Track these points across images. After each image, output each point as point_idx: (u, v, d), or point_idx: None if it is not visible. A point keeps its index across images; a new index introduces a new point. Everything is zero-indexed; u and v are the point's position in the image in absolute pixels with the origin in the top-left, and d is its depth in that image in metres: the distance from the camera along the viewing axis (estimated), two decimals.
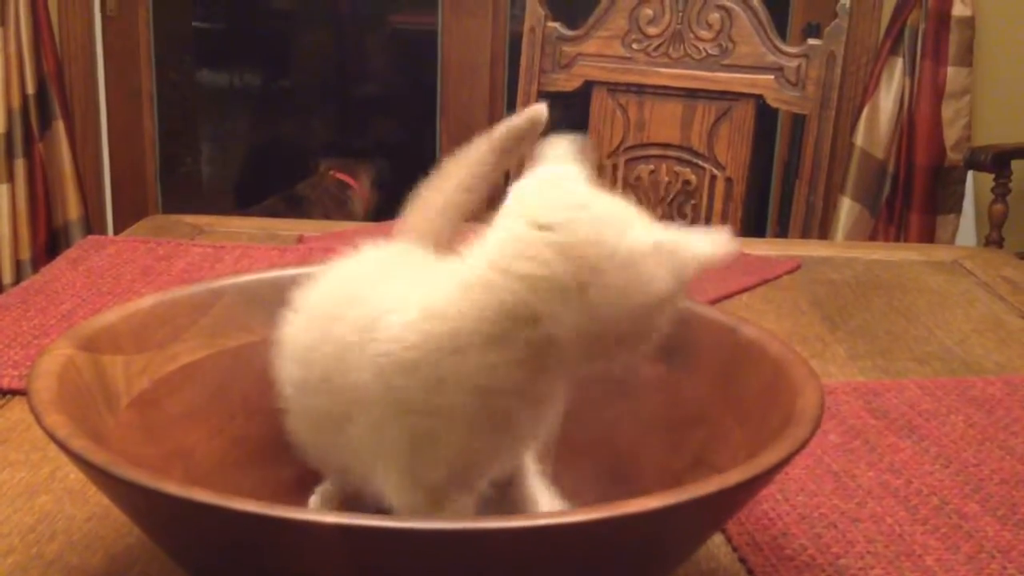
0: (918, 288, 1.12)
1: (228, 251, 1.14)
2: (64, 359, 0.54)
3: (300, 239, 1.22)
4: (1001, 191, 2.35)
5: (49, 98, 2.47)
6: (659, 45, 1.71)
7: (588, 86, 1.75)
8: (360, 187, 2.86)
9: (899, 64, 2.41)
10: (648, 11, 1.71)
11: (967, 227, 2.52)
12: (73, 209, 2.52)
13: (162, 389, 0.60)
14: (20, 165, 2.45)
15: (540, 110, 0.62)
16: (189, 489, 0.42)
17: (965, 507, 0.66)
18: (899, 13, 2.40)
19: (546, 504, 0.58)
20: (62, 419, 0.48)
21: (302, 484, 0.60)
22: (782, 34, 1.69)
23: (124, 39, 2.66)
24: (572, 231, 0.47)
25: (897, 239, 2.44)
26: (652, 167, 1.73)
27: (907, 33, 2.39)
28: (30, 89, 2.44)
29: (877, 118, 2.43)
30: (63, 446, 0.46)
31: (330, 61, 3.56)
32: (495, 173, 0.64)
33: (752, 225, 2.57)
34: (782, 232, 2.29)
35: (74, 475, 0.66)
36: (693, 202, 1.72)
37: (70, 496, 0.64)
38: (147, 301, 0.62)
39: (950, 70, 2.38)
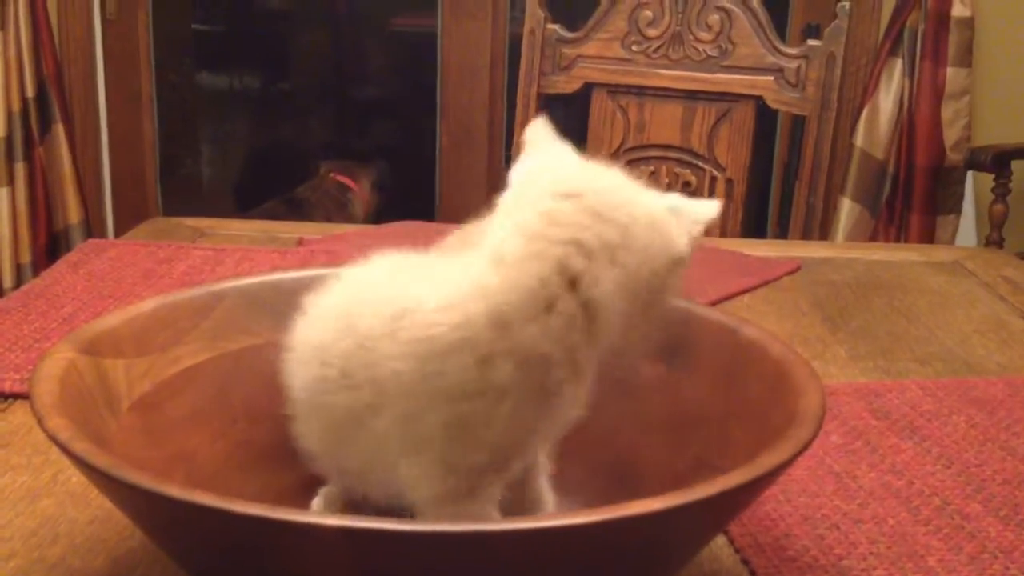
0: (919, 289, 1.12)
1: (229, 254, 1.14)
2: (66, 363, 0.54)
3: (300, 241, 1.22)
4: (1001, 191, 2.35)
5: (49, 101, 2.47)
6: (659, 47, 1.71)
7: (588, 88, 1.75)
8: (360, 189, 2.86)
9: (899, 65, 2.41)
10: (648, 13, 1.71)
11: (967, 228, 2.52)
12: (73, 212, 2.52)
13: (164, 392, 0.60)
14: (20, 168, 2.45)
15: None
16: (192, 492, 0.42)
17: (967, 508, 0.66)
18: (898, 14, 2.40)
19: (551, 505, 0.58)
20: (64, 423, 0.48)
21: (304, 488, 0.60)
22: (781, 35, 1.69)
23: (124, 42, 2.66)
24: (597, 197, 0.50)
25: (897, 240, 2.44)
26: (652, 169, 1.73)
27: (906, 34, 2.39)
28: (30, 92, 2.44)
29: (877, 119, 2.43)
30: (66, 449, 0.46)
31: (330, 63, 3.56)
32: None
33: (752, 226, 2.57)
34: (782, 233, 2.29)
35: (76, 478, 0.66)
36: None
37: (72, 499, 0.64)
38: (148, 304, 0.62)
39: (950, 71, 2.38)
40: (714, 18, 1.68)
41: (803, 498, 0.66)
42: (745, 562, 0.60)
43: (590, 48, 1.74)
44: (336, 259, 0.56)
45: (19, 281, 2.45)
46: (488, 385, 0.48)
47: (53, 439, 0.47)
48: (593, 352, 0.50)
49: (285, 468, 0.58)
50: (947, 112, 2.40)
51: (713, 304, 1.00)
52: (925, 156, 2.41)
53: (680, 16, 1.70)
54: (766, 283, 1.12)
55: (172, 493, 0.42)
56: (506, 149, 2.61)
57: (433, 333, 0.48)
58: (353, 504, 0.58)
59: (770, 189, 2.73)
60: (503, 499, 0.53)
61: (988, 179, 2.39)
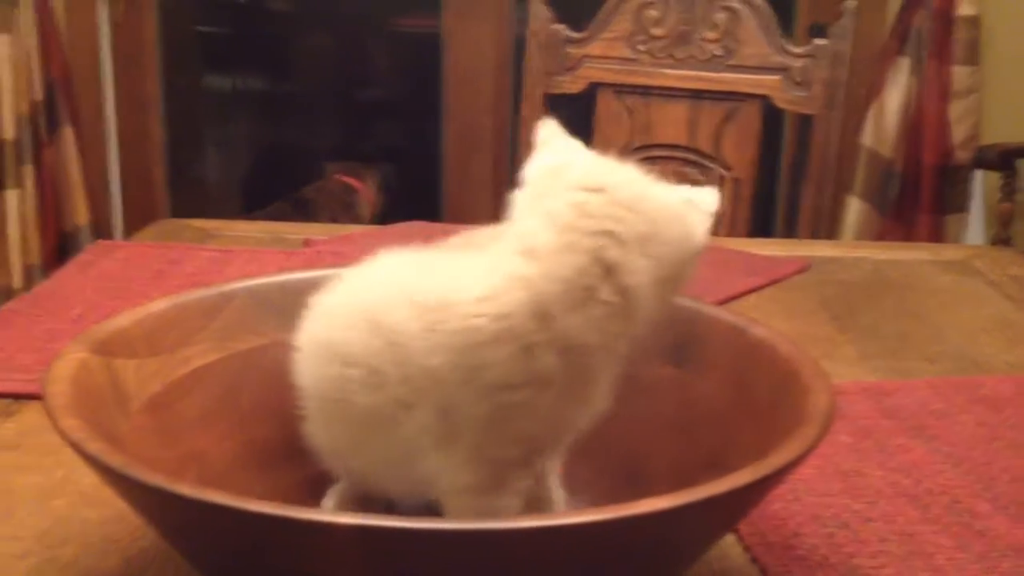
0: (927, 287, 1.12)
1: (236, 255, 1.14)
2: (78, 363, 0.55)
3: (306, 242, 1.22)
4: (1009, 190, 2.34)
5: (57, 104, 2.48)
6: (664, 46, 1.71)
7: (594, 88, 1.75)
8: (366, 190, 2.87)
9: (905, 63, 2.40)
10: (653, 12, 1.71)
11: (975, 226, 2.51)
12: (82, 214, 2.53)
13: (174, 392, 0.60)
14: (29, 171, 2.46)
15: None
16: (204, 491, 0.42)
17: (976, 506, 0.66)
18: (905, 13, 2.40)
19: (560, 504, 0.58)
20: (77, 422, 0.48)
21: (314, 486, 0.60)
22: (787, 34, 1.69)
23: (131, 44, 2.67)
24: (622, 190, 0.51)
25: (905, 238, 2.44)
26: (659, 168, 1.73)
27: (913, 32, 2.39)
28: (38, 95, 2.44)
29: (884, 118, 2.42)
30: (79, 449, 0.46)
31: (335, 65, 3.56)
32: None
33: (760, 225, 2.56)
34: (790, 232, 2.29)
35: (88, 478, 0.67)
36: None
37: (84, 499, 0.65)
38: (158, 305, 0.62)
39: (956, 69, 2.38)
40: (720, 17, 1.68)
41: (812, 497, 0.67)
42: (754, 561, 0.60)
43: (595, 48, 1.74)
44: (342, 260, 0.56)
45: (28, 283, 2.46)
46: (531, 375, 0.49)
47: (67, 439, 0.47)
48: (625, 343, 0.52)
49: (295, 467, 0.59)
50: (954, 110, 2.40)
51: (721, 304, 1.00)
52: (932, 155, 2.41)
53: (685, 16, 1.70)
54: (774, 282, 1.12)
55: (185, 492, 0.43)
56: (512, 150, 2.61)
57: (475, 324, 0.48)
58: (363, 502, 0.58)
59: (777, 188, 2.72)
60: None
61: (996, 177, 2.38)
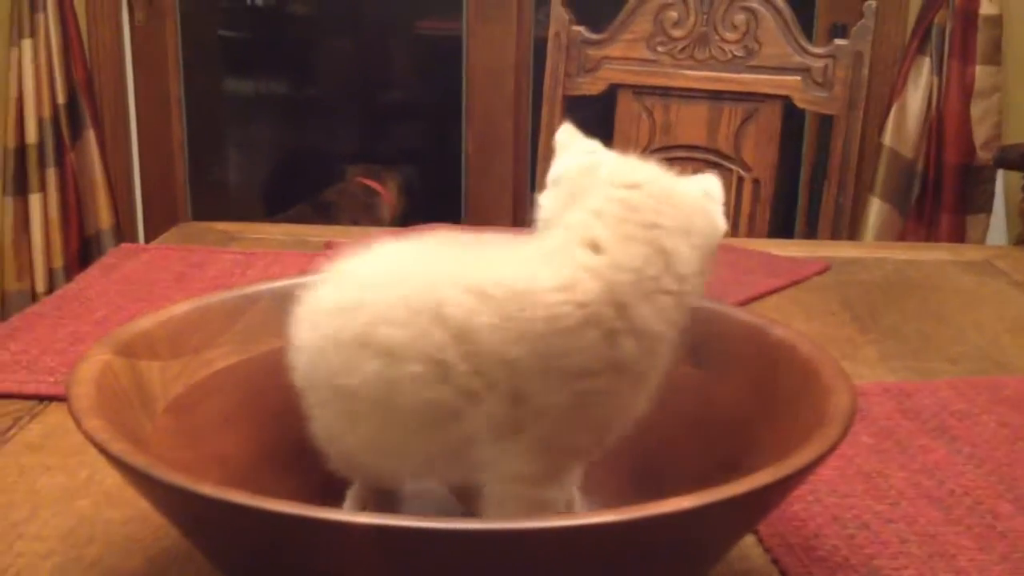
0: (949, 288, 1.12)
1: (259, 257, 1.15)
2: (102, 364, 0.55)
3: (328, 245, 1.22)
4: None
5: (80, 108, 2.50)
6: (684, 47, 1.71)
7: (613, 89, 1.75)
8: (387, 193, 2.87)
9: (927, 63, 2.39)
10: (673, 14, 1.71)
11: (998, 226, 2.50)
12: (104, 217, 2.55)
13: (197, 394, 0.60)
14: (52, 174, 2.48)
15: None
16: (227, 491, 0.43)
17: (999, 507, 0.66)
18: (926, 12, 2.39)
19: (578, 504, 0.58)
20: (101, 423, 0.49)
21: (334, 488, 0.60)
22: (808, 35, 1.69)
23: (152, 48, 2.68)
24: (655, 184, 0.54)
25: (927, 239, 2.43)
26: (679, 169, 1.73)
27: (934, 32, 2.38)
28: (60, 99, 2.46)
29: (905, 117, 2.41)
30: (103, 449, 0.47)
31: (355, 68, 3.57)
32: None
33: (780, 226, 2.56)
34: (811, 233, 2.27)
35: (111, 479, 0.67)
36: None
37: (108, 499, 0.65)
38: (182, 307, 0.63)
39: (978, 68, 2.36)
40: (740, 18, 1.67)
41: (833, 498, 0.66)
42: (775, 562, 0.60)
43: (615, 50, 1.74)
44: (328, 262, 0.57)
45: (51, 286, 2.48)
46: (611, 362, 0.50)
47: (91, 440, 0.48)
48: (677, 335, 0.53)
49: (317, 468, 0.59)
50: (976, 110, 2.38)
51: (742, 304, 1.00)
52: (954, 154, 2.40)
53: (706, 16, 1.69)
54: (795, 283, 1.12)
55: (207, 492, 0.43)
56: (532, 151, 2.61)
57: (559, 312, 0.49)
58: (381, 503, 0.59)
59: (798, 189, 2.71)
60: None
61: (1018, 177, 2.36)
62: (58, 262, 2.52)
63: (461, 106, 2.73)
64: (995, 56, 2.37)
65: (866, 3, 1.62)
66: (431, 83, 3.44)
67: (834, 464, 0.70)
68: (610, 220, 0.51)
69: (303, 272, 0.70)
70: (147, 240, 2.63)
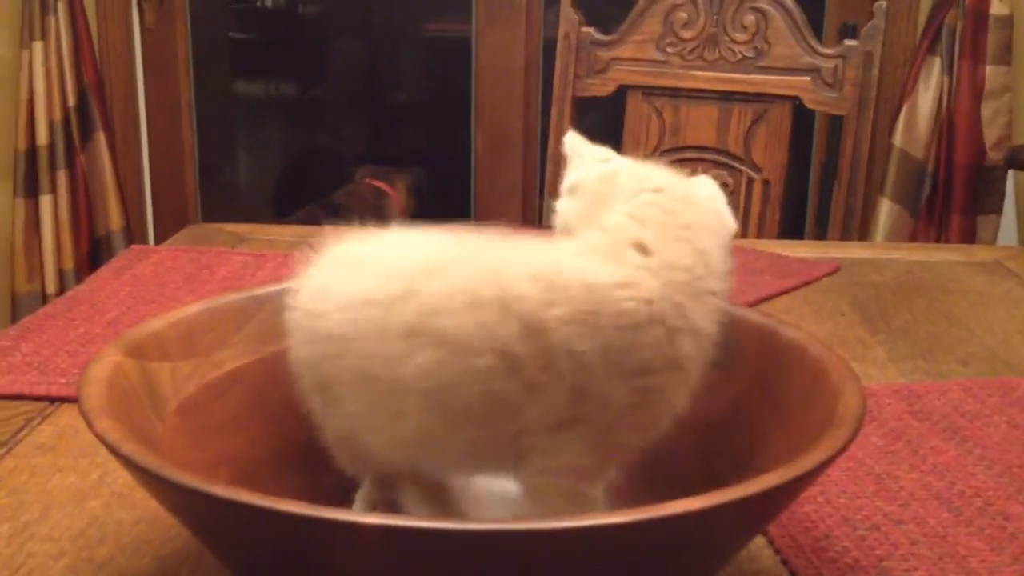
0: (960, 289, 1.12)
1: (269, 259, 1.15)
2: (113, 365, 0.55)
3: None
4: None
5: (90, 110, 2.51)
6: (694, 48, 1.71)
7: (623, 90, 1.75)
8: (396, 194, 2.88)
9: (937, 63, 2.39)
10: (682, 15, 1.71)
11: (1008, 227, 2.49)
12: (115, 219, 2.56)
13: (208, 395, 0.60)
14: (62, 176, 2.49)
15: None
16: (237, 491, 0.43)
17: (1009, 508, 0.65)
18: (936, 12, 2.38)
19: (603, 504, 0.58)
20: (112, 424, 0.49)
21: (345, 489, 0.60)
22: (818, 35, 1.68)
23: (162, 51, 2.69)
24: (678, 188, 0.55)
25: (938, 240, 2.42)
26: (688, 170, 1.73)
27: (945, 32, 2.37)
28: (71, 101, 2.47)
29: (916, 118, 2.41)
30: (114, 450, 0.47)
31: (364, 70, 3.58)
32: None
33: (790, 227, 2.55)
34: (821, 234, 2.27)
35: (122, 480, 0.67)
36: (730, 205, 1.71)
37: (118, 500, 0.66)
38: (193, 308, 0.63)
39: (989, 69, 2.35)
40: (749, 19, 1.67)
41: (843, 499, 0.66)
42: (785, 563, 0.60)
43: (625, 51, 1.74)
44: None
45: (62, 287, 2.48)
46: (669, 361, 0.51)
47: (102, 440, 0.48)
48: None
49: (326, 469, 0.59)
50: (987, 110, 2.38)
51: (751, 305, 1.00)
52: (965, 155, 2.39)
53: (715, 17, 1.69)
54: (805, 284, 1.12)
55: (217, 492, 0.43)
56: (541, 153, 2.61)
57: (626, 308, 0.49)
58: (391, 505, 0.59)
59: (807, 190, 2.71)
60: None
61: None
62: (68, 264, 2.53)
63: (470, 107, 2.73)
64: (1006, 56, 2.36)
65: (876, 3, 1.62)
66: (440, 84, 3.45)
67: (844, 465, 0.70)
68: (650, 223, 0.52)
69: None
70: (157, 242, 2.63)
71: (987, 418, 0.78)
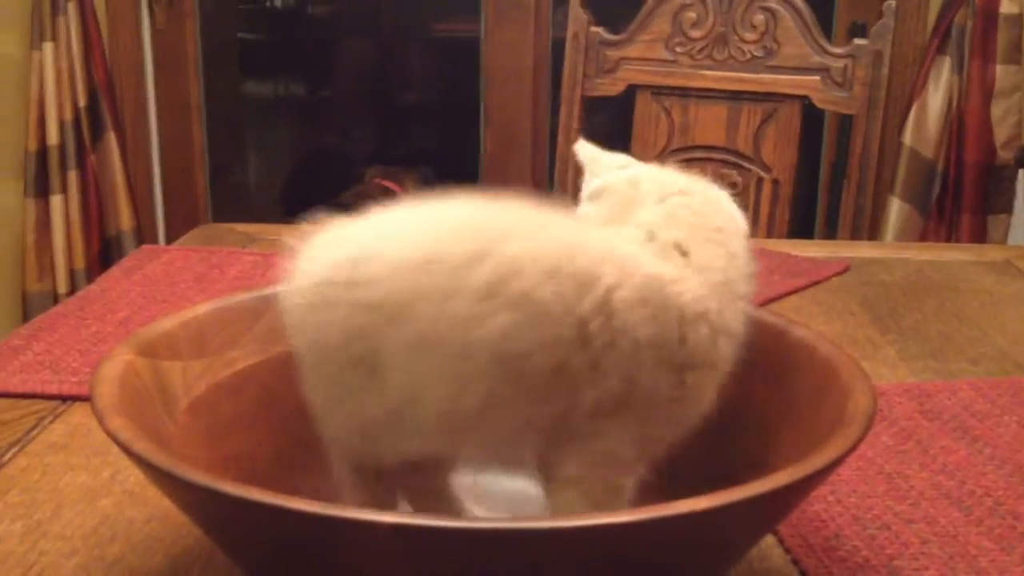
0: (970, 288, 1.11)
1: (278, 259, 1.15)
2: (124, 364, 0.55)
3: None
4: None
5: (100, 110, 2.51)
6: (703, 48, 1.71)
7: (632, 90, 1.75)
8: (406, 194, 2.88)
9: (947, 63, 2.38)
10: (691, 14, 1.70)
11: (1019, 226, 2.48)
12: (125, 219, 2.56)
13: (219, 394, 0.61)
14: (73, 176, 2.49)
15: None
16: (249, 489, 0.43)
17: (1020, 508, 0.65)
18: (946, 11, 2.37)
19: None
20: (124, 422, 0.49)
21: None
22: (827, 34, 1.68)
23: (172, 51, 2.70)
24: (697, 192, 0.57)
25: (948, 239, 2.41)
26: (698, 170, 1.73)
27: (954, 31, 2.36)
28: (81, 102, 2.48)
29: (925, 117, 2.40)
30: (126, 448, 0.47)
31: (373, 70, 3.58)
32: None
33: (800, 227, 2.55)
34: (830, 233, 2.27)
35: (134, 478, 0.68)
36: (740, 204, 1.71)
37: (130, 499, 0.66)
38: (204, 308, 0.63)
39: (999, 68, 2.35)
40: (759, 18, 1.67)
41: (853, 498, 0.66)
42: (795, 562, 0.60)
43: (634, 50, 1.74)
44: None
45: (73, 287, 2.49)
46: (709, 360, 0.52)
47: (114, 439, 0.48)
48: None
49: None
50: (997, 110, 2.37)
51: (762, 305, 1.00)
52: (975, 154, 2.38)
53: (724, 17, 1.69)
54: (814, 284, 1.12)
55: (229, 490, 0.43)
56: (550, 153, 2.61)
57: (681, 302, 0.50)
58: (381, 505, 0.58)
59: (817, 189, 2.70)
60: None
61: None
62: (79, 263, 2.53)
63: (479, 107, 2.73)
64: (1015, 55, 2.36)
65: (886, 2, 1.62)
66: (449, 84, 3.45)
67: (854, 464, 0.70)
68: (683, 225, 0.53)
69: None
70: (168, 241, 2.64)
71: (997, 418, 0.78)
